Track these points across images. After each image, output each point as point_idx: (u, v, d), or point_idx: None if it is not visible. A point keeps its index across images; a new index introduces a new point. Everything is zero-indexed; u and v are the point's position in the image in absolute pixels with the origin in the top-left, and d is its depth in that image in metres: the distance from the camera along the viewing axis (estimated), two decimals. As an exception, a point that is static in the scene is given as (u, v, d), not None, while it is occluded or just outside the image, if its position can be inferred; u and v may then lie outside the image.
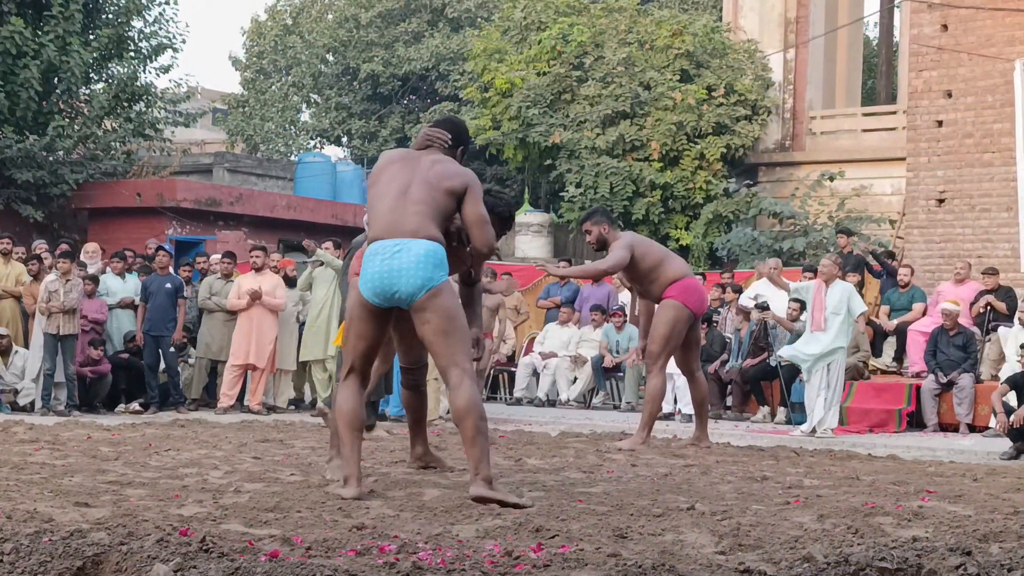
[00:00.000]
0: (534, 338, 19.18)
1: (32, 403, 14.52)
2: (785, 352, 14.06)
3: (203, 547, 4.36)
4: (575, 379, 18.22)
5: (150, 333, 15.23)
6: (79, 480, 7.08)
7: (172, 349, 15.27)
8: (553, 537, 5.38)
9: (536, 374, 18.48)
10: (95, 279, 15.53)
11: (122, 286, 16.03)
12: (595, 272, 12.54)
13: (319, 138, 39.25)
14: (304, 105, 39.83)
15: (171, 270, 16.06)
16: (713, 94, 24.62)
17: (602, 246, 10.98)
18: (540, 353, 18.48)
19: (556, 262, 20.45)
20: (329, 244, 15.63)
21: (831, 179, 22.89)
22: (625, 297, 18.43)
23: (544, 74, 25.96)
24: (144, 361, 15.25)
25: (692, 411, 12.21)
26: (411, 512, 6.12)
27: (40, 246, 17.34)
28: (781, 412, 15.58)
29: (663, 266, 10.90)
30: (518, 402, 18.09)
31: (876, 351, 16.87)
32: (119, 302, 15.82)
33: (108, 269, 16.40)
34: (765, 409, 15.85)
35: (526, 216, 26.35)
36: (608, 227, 10.95)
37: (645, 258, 10.83)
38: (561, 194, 25.94)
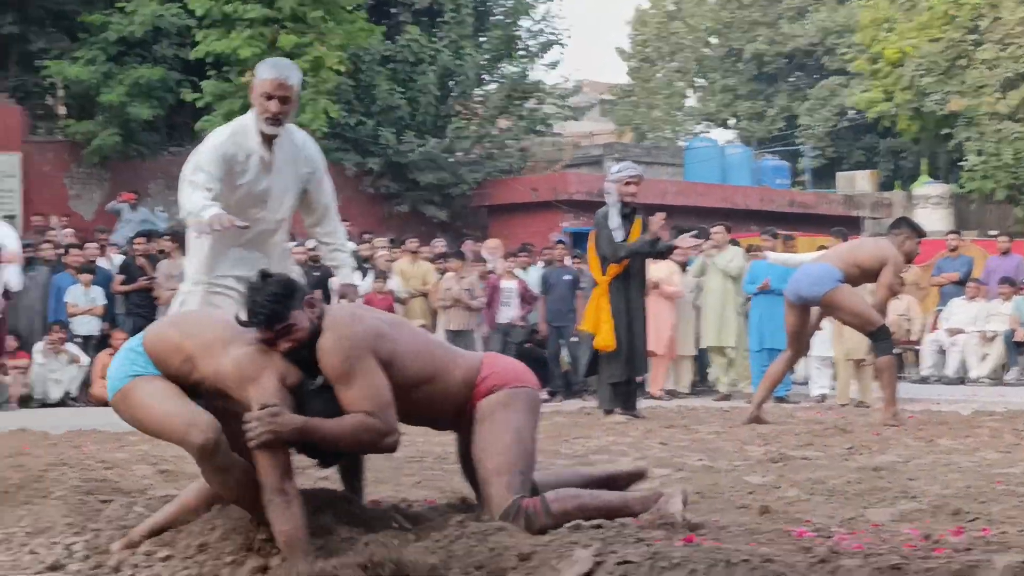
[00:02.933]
0: (940, 314, 18.55)
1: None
2: None
3: (620, 532, 4.48)
4: (985, 355, 17.51)
5: (552, 323, 15.69)
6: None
7: (574, 339, 15.67)
8: (973, 520, 5.22)
9: (943, 351, 17.88)
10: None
11: (526, 278, 16.58)
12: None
13: (706, 122, 39.26)
14: (689, 90, 39.95)
15: (567, 262, 16.46)
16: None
17: None
18: (947, 330, 17.87)
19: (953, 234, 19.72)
20: (720, 228, 15.63)
21: None
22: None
23: (937, 40, 25.05)
24: (546, 351, 15.72)
25: None
26: (822, 496, 6.08)
27: (438, 244, 18.14)
28: None
29: None
30: (925, 380, 17.55)
31: None
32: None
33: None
34: None
35: (925, 188, 25.53)
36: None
37: None
38: (960, 163, 24.99)
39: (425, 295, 16.13)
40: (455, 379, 4.85)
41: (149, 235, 17.04)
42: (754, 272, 14.63)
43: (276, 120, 5.95)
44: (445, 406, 4.87)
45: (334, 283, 6.39)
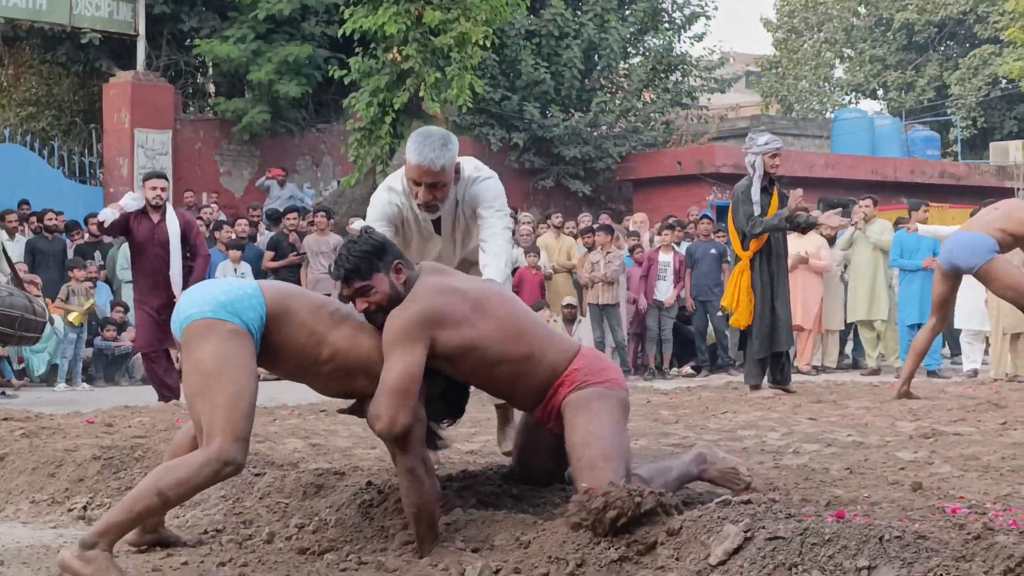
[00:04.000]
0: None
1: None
2: None
3: (770, 508, 4.47)
4: None
5: (698, 299, 15.64)
6: (644, 444, 7.40)
7: (720, 314, 15.60)
8: None
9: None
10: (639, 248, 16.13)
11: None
12: None
13: (854, 93, 38.65)
14: (837, 60, 39.33)
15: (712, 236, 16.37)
16: None
17: None
18: None
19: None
20: (869, 201, 15.40)
21: None
22: None
23: (1094, 5, 24.32)
24: (693, 326, 15.68)
25: None
26: (976, 472, 5.99)
27: (583, 219, 18.16)
28: None
29: None
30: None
31: None
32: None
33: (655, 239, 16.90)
34: None
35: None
36: None
37: None
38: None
39: (570, 270, 16.18)
40: (543, 364, 4.79)
41: (298, 211, 17.35)
42: (901, 245, 14.39)
43: (429, 208, 5.54)
44: (528, 387, 4.82)
45: None
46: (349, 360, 4.62)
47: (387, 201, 5.66)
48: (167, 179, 11.49)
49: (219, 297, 4.52)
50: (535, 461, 5.30)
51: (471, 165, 5.73)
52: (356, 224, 16.63)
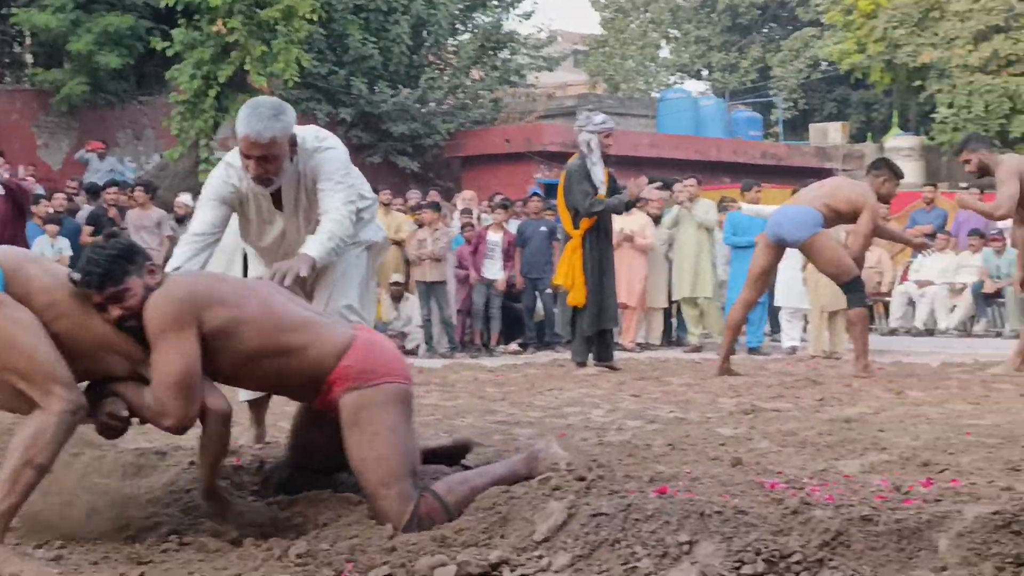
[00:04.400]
0: (909, 266, 18.64)
1: (417, 347, 15.26)
2: None
3: (595, 484, 4.50)
4: (954, 307, 17.63)
5: (528, 276, 15.71)
6: (470, 421, 7.41)
7: (548, 291, 15.69)
8: (942, 471, 5.27)
9: (912, 303, 17.98)
10: (471, 226, 16.11)
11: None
12: (987, 214, 11.85)
13: (679, 73, 39.20)
14: (663, 41, 39.88)
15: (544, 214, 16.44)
16: (1095, 0, 23.18)
17: (984, 173, 10.57)
18: (916, 281, 17.98)
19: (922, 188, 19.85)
20: (693, 180, 15.63)
21: None
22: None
23: (910, -8, 25.07)
24: (522, 303, 15.74)
25: None
26: (793, 448, 6.12)
27: (412, 196, 18.11)
28: None
29: None
30: (894, 332, 17.66)
31: None
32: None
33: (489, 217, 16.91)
34: None
35: (896, 140, 25.59)
36: (987, 152, 10.55)
37: None
38: (932, 116, 25.07)
39: (398, 244, 16.11)
40: (308, 358, 4.51)
41: (119, 185, 16.94)
42: (734, 224, 14.67)
43: (262, 181, 5.34)
44: (298, 381, 4.57)
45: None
46: (92, 334, 4.41)
47: (222, 180, 5.45)
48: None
49: None
50: (313, 448, 4.97)
51: (312, 134, 5.51)
52: (183, 198, 16.31)
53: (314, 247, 5.25)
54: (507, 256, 15.84)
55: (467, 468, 5.04)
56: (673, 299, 15.77)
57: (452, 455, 5.24)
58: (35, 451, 4.18)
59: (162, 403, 4.36)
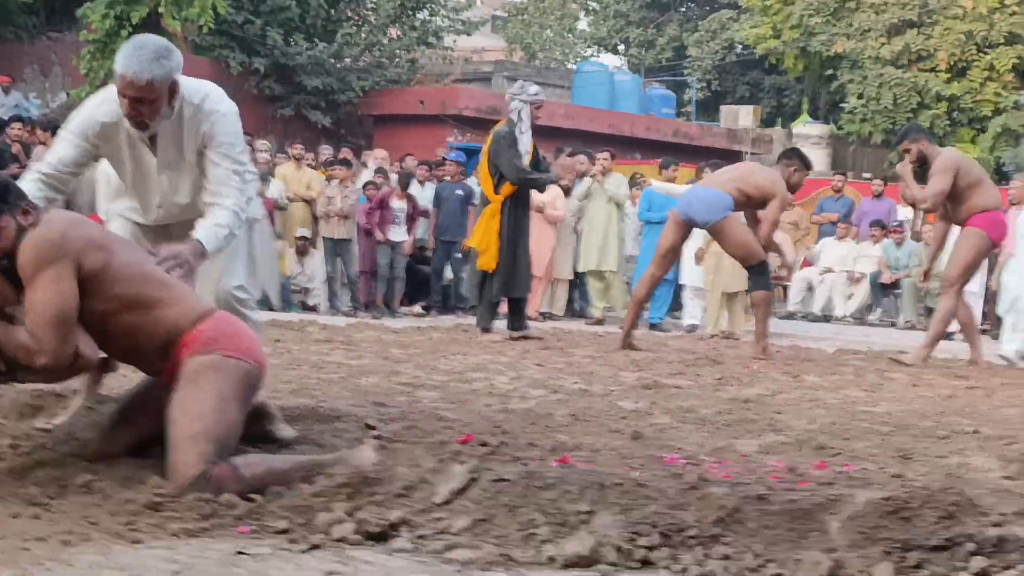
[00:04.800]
0: (810, 252, 18.94)
1: (318, 304, 15.22)
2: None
3: (497, 451, 4.55)
4: (851, 295, 17.94)
5: (441, 239, 15.72)
6: (374, 381, 7.42)
7: (459, 255, 15.70)
8: (836, 455, 5.39)
9: (811, 288, 18.27)
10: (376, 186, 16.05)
11: (419, 193, 16.54)
12: (917, 201, 12.08)
13: (596, 46, 39.26)
14: (582, 13, 39.90)
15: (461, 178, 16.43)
16: (1006, 1, 23.55)
17: (923, 163, 10.74)
18: (817, 267, 18.28)
19: (833, 175, 20.16)
20: (607, 154, 15.72)
21: None
22: (906, 213, 18.01)
23: (827, -19, 25.34)
24: (432, 266, 15.76)
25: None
26: (692, 425, 6.21)
27: (324, 151, 18.01)
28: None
29: (978, 190, 10.57)
30: (792, 316, 17.94)
31: None
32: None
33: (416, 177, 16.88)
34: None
35: (804, 127, 25.90)
36: (927, 143, 10.74)
37: (963, 178, 10.52)
38: (842, 105, 25.41)
39: (307, 201, 16.02)
40: (167, 318, 4.40)
41: (23, 121, 16.62)
42: (649, 199, 14.80)
43: (136, 124, 4.96)
44: (148, 343, 4.43)
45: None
46: None
47: (91, 115, 5.09)
48: None
49: None
50: (133, 431, 4.67)
51: (203, 92, 5.13)
52: None
53: (209, 239, 4.97)
54: (411, 220, 15.83)
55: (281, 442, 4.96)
56: (580, 270, 15.87)
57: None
58: None
59: (39, 340, 4.25)
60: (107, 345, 4.54)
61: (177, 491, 4.12)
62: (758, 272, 10.71)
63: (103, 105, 5.06)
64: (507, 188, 11.48)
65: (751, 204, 10.78)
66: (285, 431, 5.02)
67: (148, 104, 4.87)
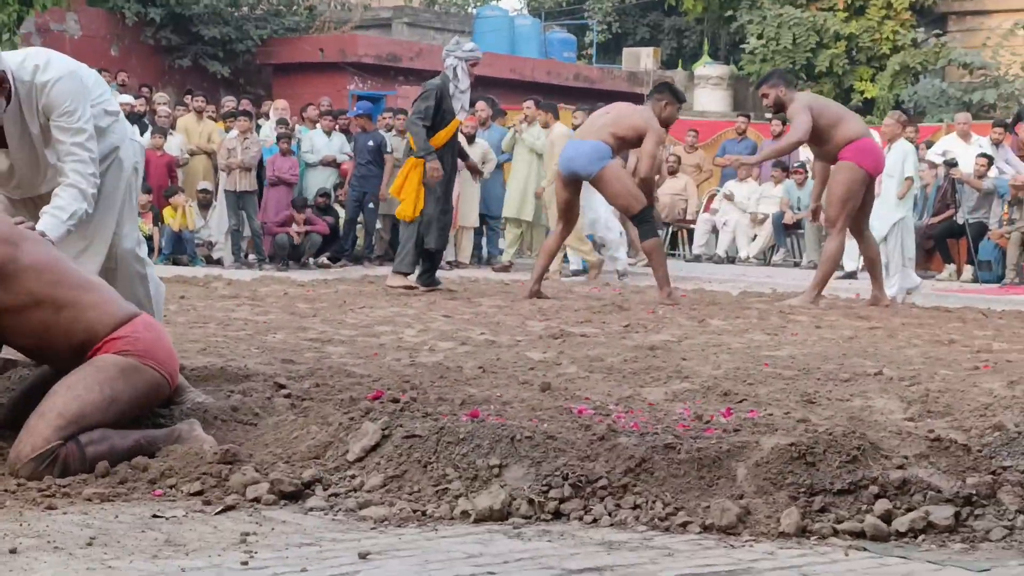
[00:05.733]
0: (714, 195, 19.09)
1: (222, 258, 15.10)
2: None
3: (408, 407, 4.57)
4: (755, 236, 18.14)
5: (355, 188, 15.66)
6: (282, 337, 7.40)
7: (371, 206, 15.65)
8: (741, 402, 5.47)
9: (715, 231, 18.45)
10: (288, 137, 15.91)
11: (326, 143, 16.42)
12: (785, 149, 12.39)
13: (496, -10, 38.95)
14: (481, -43, 39.57)
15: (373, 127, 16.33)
16: (902, -60, 23.80)
17: (779, 108, 10.99)
18: (720, 210, 18.45)
19: (735, 116, 20.32)
20: (531, 103, 15.67)
21: (1025, 28, 22.12)
22: (807, 154, 18.21)
23: (725, -82, 25.41)
24: (346, 216, 15.70)
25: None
26: (600, 374, 6.27)
27: (227, 103, 17.80)
28: (968, 271, 15.33)
29: (840, 126, 10.79)
30: (697, 259, 18.11)
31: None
32: (321, 159, 16.23)
33: (318, 126, 16.74)
34: (951, 268, 15.62)
35: (705, 68, 26.01)
36: (785, 89, 10.90)
37: (821, 117, 10.71)
38: (742, 46, 25.52)
39: (208, 154, 15.85)
40: (81, 320, 4.32)
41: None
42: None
43: None
44: (63, 343, 4.34)
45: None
46: None
47: None
48: None
49: None
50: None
51: (31, 65, 4.94)
52: None
53: (51, 227, 4.83)
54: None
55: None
56: (502, 216, 15.92)
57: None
58: None
59: None
60: (15, 340, 4.46)
61: (15, 461, 4.09)
62: (642, 220, 10.86)
63: None
64: (441, 136, 11.38)
65: (628, 145, 10.97)
66: (196, 396, 4.99)
67: None
